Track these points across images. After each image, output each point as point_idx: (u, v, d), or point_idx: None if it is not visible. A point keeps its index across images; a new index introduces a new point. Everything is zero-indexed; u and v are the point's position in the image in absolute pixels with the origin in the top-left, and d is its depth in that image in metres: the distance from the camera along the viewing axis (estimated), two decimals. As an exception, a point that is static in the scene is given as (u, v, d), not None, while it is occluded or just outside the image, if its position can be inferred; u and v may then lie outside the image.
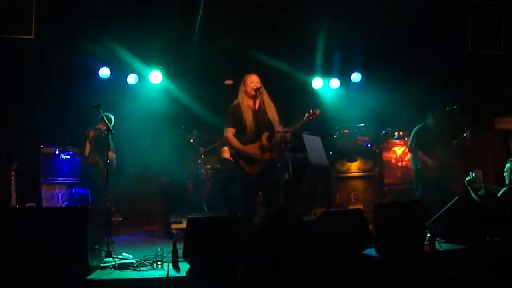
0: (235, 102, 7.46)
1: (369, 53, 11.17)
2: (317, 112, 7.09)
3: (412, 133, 9.36)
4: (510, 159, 7.36)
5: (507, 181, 7.31)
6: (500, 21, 10.04)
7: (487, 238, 6.97)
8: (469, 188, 7.42)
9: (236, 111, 7.37)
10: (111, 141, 8.58)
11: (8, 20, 8.54)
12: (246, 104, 7.35)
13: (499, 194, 7.18)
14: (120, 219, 8.77)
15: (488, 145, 10.60)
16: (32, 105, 9.99)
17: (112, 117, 8.84)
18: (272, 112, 7.30)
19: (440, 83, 10.78)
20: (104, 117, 7.62)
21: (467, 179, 7.46)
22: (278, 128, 7.23)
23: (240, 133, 7.35)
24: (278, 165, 7.97)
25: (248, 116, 7.28)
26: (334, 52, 11.28)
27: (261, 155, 7.25)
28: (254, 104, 7.40)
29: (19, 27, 8.58)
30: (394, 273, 6.18)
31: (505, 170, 7.33)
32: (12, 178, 8.92)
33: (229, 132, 7.39)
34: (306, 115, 7.12)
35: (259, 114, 7.35)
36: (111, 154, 8.74)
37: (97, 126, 8.85)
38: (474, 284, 6.26)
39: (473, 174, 7.45)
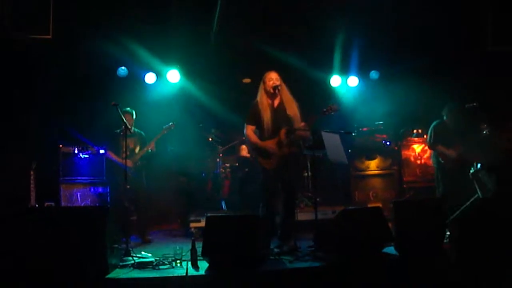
0: (256, 100, 7.50)
1: (388, 50, 11.11)
2: (335, 107, 7.06)
3: (430, 129, 9.27)
4: None
5: None
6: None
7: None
8: (474, 181, 7.31)
9: (255, 109, 7.41)
10: (140, 140, 8.84)
11: (26, 21, 8.55)
12: (265, 102, 7.37)
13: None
14: (137, 217, 8.79)
15: (509, 141, 10.49)
16: (51, 105, 10.02)
17: (133, 111, 8.90)
18: (292, 108, 7.29)
19: (459, 80, 10.71)
20: (122, 116, 7.61)
21: (471, 171, 7.36)
22: (299, 124, 7.20)
23: (260, 130, 7.40)
24: (298, 160, 7.91)
25: (266, 114, 7.30)
26: (352, 50, 11.23)
27: (278, 150, 7.25)
28: (273, 101, 7.42)
29: (37, 27, 8.59)
30: (414, 272, 6.13)
31: None
32: (31, 177, 8.97)
33: (249, 129, 7.47)
34: (323, 110, 7.09)
35: (278, 111, 7.35)
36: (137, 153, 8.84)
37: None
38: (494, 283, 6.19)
39: (478, 165, 7.34)
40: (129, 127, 7.80)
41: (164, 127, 8.97)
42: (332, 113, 7.06)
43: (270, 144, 7.27)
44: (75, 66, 10.00)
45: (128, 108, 8.86)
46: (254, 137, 7.41)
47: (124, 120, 7.62)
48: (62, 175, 9.82)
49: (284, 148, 7.25)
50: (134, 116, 8.93)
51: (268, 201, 7.38)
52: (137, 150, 8.88)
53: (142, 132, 9.11)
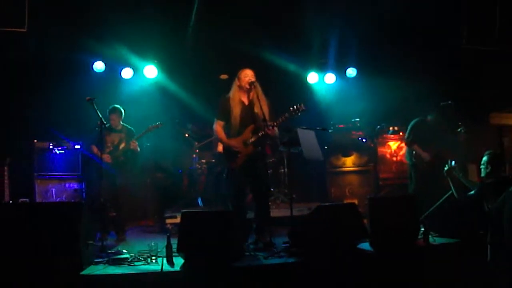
0: (227, 95, 7.47)
1: (365, 48, 11.16)
2: (301, 107, 7.05)
3: (409, 127, 9.30)
4: (487, 152, 7.27)
5: (482, 174, 7.27)
6: (495, 15, 10.01)
7: (481, 232, 6.95)
8: (449, 179, 7.37)
9: (226, 104, 7.39)
10: (128, 136, 8.73)
11: (0, 13, 8.45)
12: (237, 98, 7.37)
13: (473, 192, 7.13)
14: (114, 214, 8.71)
15: (483, 140, 10.57)
16: (25, 99, 9.94)
17: (121, 109, 8.83)
18: (263, 106, 7.24)
19: (435, 78, 10.78)
20: (97, 111, 7.52)
21: (445, 168, 7.42)
22: (270, 122, 7.20)
23: (228, 126, 7.39)
24: (270, 160, 7.91)
25: (236, 111, 7.29)
26: (329, 47, 11.26)
27: (243, 149, 7.25)
28: (247, 98, 7.41)
29: (12, 20, 8.47)
30: (388, 267, 6.17)
31: (482, 163, 7.27)
32: (5, 173, 8.90)
33: (218, 125, 7.45)
34: (290, 110, 7.09)
35: (248, 108, 7.35)
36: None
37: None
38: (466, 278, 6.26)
39: (452, 162, 7.40)
40: (104, 122, 7.69)
41: (150, 125, 8.83)
42: (299, 114, 7.06)
43: (235, 142, 7.27)
44: (51, 60, 9.93)
45: (116, 106, 8.75)
46: (221, 134, 7.40)
47: (100, 115, 7.53)
48: (37, 171, 9.76)
49: (249, 146, 7.25)
50: (123, 113, 8.81)
51: (236, 199, 7.37)
52: (121, 146, 8.72)
53: (132, 128, 8.93)
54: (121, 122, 8.76)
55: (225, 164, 7.49)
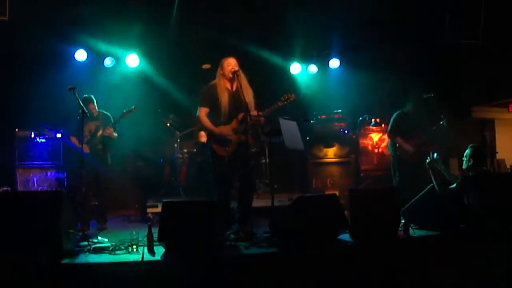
0: (212, 82, 7.46)
1: (348, 39, 11.19)
2: (292, 97, 7.09)
3: (391, 119, 9.33)
4: (470, 145, 7.33)
5: (464, 166, 7.32)
6: (478, 9, 10.06)
7: (461, 226, 7.02)
8: (430, 171, 7.41)
9: (212, 91, 7.36)
10: (104, 122, 8.64)
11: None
12: (223, 86, 7.35)
13: (454, 186, 7.19)
14: (95, 203, 8.69)
15: (465, 133, 10.66)
16: (7, 88, 9.88)
17: (92, 97, 8.69)
18: (248, 95, 7.24)
19: (418, 71, 10.84)
20: (79, 100, 7.48)
21: (427, 160, 7.46)
22: (253, 112, 7.21)
23: (214, 114, 7.36)
24: (252, 150, 7.92)
25: (224, 97, 7.27)
26: (312, 38, 11.26)
27: (234, 137, 7.25)
28: (231, 86, 7.40)
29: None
30: (368, 259, 6.21)
31: (464, 155, 7.32)
32: (-14, 162, 8.85)
33: (202, 112, 7.40)
34: (280, 100, 7.12)
35: (235, 96, 7.32)
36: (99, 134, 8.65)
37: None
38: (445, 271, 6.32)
39: (434, 155, 7.44)
40: (86, 111, 7.64)
41: (124, 110, 8.75)
42: (290, 102, 7.10)
43: (225, 130, 7.27)
44: (32, 49, 9.86)
45: (86, 96, 8.58)
46: (208, 122, 7.35)
47: (81, 104, 7.49)
48: (18, 160, 9.71)
49: (240, 134, 7.25)
50: (95, 102, 8.68)
51: (222, 188, 7.37)
52: (99, 133, 8.60)
53: (109, 114, 8.82)
54: (97, 109, 8.70)
55: (212, 153, 7.41)
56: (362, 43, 11.08)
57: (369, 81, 11.02)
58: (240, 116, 7.23)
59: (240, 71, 7.30)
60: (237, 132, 7.26)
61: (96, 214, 8.53)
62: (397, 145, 9.14)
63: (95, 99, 8.71)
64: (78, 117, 7.79)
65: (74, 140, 8.55)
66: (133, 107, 8.76)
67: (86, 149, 8.22)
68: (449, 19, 9.97)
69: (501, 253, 6.34)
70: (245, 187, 7.50)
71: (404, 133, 9.12)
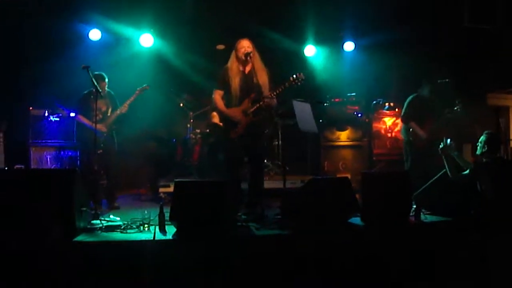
0: (226, 65, 7.47)
1: (363, 22, 11.12)
2: (301, 76, 7.06)
3: (406, 103, 9.27)
4: (486, 132, 7.26)
5: (478, 152, 7.27)
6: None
7: (472, 212, 7.00)
8: (443, 157, 7.36)
9: (225, 74, 7.39)
10: (111, 100, 8.67)
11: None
12: (235, 68, 7.37)
13: (467, 172, 7.13)
14: (106, 182, 8.72)
15: (479, 120, 10.59)
16: (21, 67, 9.91)
17: (105, 76, 8.65)
18: (262, 77, 7.27)
19: (434, 55, 10.77)
20: (93, 79, 7.49)
21: (441, 146, 7.42)
22: (267, 93, 7.21)
23: (228, 96, 7.39)
24: (265, 131, 7.92)
25: (236, 80, 7.30)
26: (327, 20, 11.20)
27: (243, 118, 7.26)
28: (244, 68, 7.40)
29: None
30: (378, 243, 6.21)
31: (479, 141, 7.26)
32: (1, 140, 8.89)
33: (217, 94, 7.46)
34: (290, 79, 7.10)
35: (247, 78, 7.33)
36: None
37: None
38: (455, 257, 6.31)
39: (448, 141, 7.39)
40: (100, 90, 7.67)
41: (137, 88, 8.78)
42: (299, 83, 7.07)
43: (235, 112, 7.28)
44: (46, 28, 9.87)
45: (100, 73, 8.56)
46: (220, 104, 7.40)
47: (95, 83, 7.50)
48: (32, 138, 9.77)
49: (249, 116, 7.25)
50: (106, 80, 8.67)
51: (233, 169, 7.41)
52: (109, 112, 8.64)
53: (112, 91, 8.80)
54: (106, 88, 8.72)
55: (223, 134, 7.46)
56: (377, 26, 10.99)
57: (384, 65, 10.97)
58: (250, 97, 7.23)
59: (255, 53, 7.31)
60: (247, 113, 7.26)
61: (106, 193, 8.58)
62: (411, 130, 9.09)
63: (106, 77, 8.71)
64: (91, 95, 7.82)
65: (82, 118, 8.56)
66: (146, 85, 8.77)
67: (103, 128, 8.26)
68: (468, 2, 9.87)
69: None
70: (255, 168, 7.51)
71: (418, 118, 9.07)
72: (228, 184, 6.65)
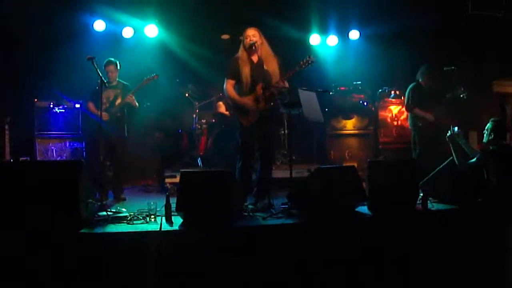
0: (236, 55, 7.43)
1: (368, 10, 11.06)
2: (311, 58, 7.01)
3: (407, 91, 9.24)
4: (492, 119, 7.23)
5: (484, 140, 7.24)
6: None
7: (479, 200, 6.97)
8: (450, 145, 7.32)
9: (235, 63, 7.33)
10: (124, 91, 8.62)
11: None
12: (244, 58, 7.31)
13: (474, 160, 7.10)
14: (112, 173, 8.71)
15: (485, 107, 10.56)
16: (26, 58, 9.90)
17: (117, 62, 8.65)
18: (272, 64, 7.25)
19: (439, 43, 10.72)
20: (97, 70, 7.45)
21: (448, 134, 7.38)
22: (278, 79, 7.18)
23: (239, 86, 7.34)
24: (275, 116, 7.88)
25: (245, 69, 7.24)
26: (332, 8, 11.16)
27: (255, 106, 7.21)
28: (253, 57, 7.35)
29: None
30: (385, 231, 6.19)
31: (486, 128, 7.23)
32: (6, 132, 8.88)
33: (228, 83, 7.38)
34: (300, 63, 7.06)
35: (257, 67, 7.29)
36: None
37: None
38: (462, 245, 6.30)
39: (455, 128, 7.35)
40: (105, 80, 7.61)
41: (145, 78, 8.70)
42: (309, 65, 7.02)
43: (247, 100, 7.23)
44: (51, 19, 9.85)
45: (112, 59, 8.58)
46: (232, 93, 7.33)
47: (100, 74, 7.44)
48: (38, 130, 9.78)
49: (261, 103, 7.21)
50: (118, 67, 8.65)
51: (245, 158, 7.36)
52: (117, 102, 8.58)
53: (128, 84, 8.76)
54: (117, 78, 8.68)
55: (238, 123, 7.39)
56: (382, 14, 10.95)
57: (389, 53, 10.91)
58: (262, 85, 7.19)
59: (263, 41, 7.30)
60: (259, 101, 7.22)
61: (112, 184, 8.57)
62: (417, 116, 9.06)
63: (119, 64, 8.67)
64: (97, 87, 7.80)
65: (91, 106, 8.54)
66: (154, 74, 8.72)
67: (105, 116, 8.20)
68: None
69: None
70: (264, 157, 7.47)
71: (421, 104, 9.05)
72: (234, 174, 6.64)
